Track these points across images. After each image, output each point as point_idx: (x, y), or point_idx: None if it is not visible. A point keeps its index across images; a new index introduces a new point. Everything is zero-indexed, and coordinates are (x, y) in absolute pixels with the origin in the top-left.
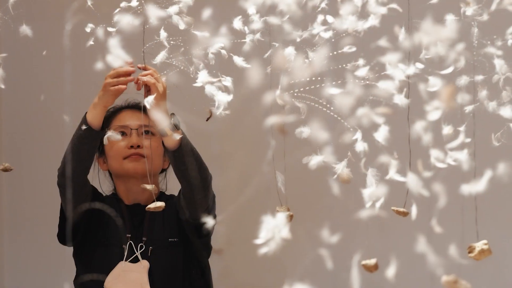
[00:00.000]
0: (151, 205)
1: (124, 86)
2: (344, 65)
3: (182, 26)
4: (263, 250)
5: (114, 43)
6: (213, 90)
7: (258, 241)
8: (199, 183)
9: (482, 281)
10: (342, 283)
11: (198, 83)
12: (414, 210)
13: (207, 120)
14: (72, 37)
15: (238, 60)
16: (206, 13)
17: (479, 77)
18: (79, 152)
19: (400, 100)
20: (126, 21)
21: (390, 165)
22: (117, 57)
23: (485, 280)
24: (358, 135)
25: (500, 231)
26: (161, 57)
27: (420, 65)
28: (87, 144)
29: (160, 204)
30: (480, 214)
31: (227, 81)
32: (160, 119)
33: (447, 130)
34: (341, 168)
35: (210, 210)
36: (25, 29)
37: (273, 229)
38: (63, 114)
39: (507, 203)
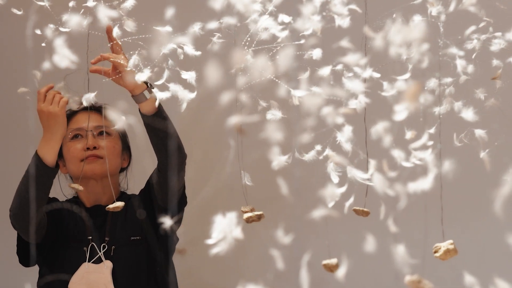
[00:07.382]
0: (110, 206)
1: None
2: (313, 68)
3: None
4: (214, 251)
5: (59, 43)
6: (177, 88)
7: (210, 241)
8: (176, 155)
9: (443, 281)
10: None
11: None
12: (382, 210)
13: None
14: (33, 36)
15: (189, 49)
16: (170, 12)
17: (446, 78)
18: (36, 193)
19: (359, 101)
20: (74, 21)
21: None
22: (64, 57)
23: (448, 279)
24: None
25: (465, 230)
26: (132, 61)
27: (376, 74)
28: (43, 183)
29: (119, 204)
30: (435, 214)
31: (189, 76)
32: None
33: (409, 134)
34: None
35: (181, 195)
36: None
37: (225, 229)
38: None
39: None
